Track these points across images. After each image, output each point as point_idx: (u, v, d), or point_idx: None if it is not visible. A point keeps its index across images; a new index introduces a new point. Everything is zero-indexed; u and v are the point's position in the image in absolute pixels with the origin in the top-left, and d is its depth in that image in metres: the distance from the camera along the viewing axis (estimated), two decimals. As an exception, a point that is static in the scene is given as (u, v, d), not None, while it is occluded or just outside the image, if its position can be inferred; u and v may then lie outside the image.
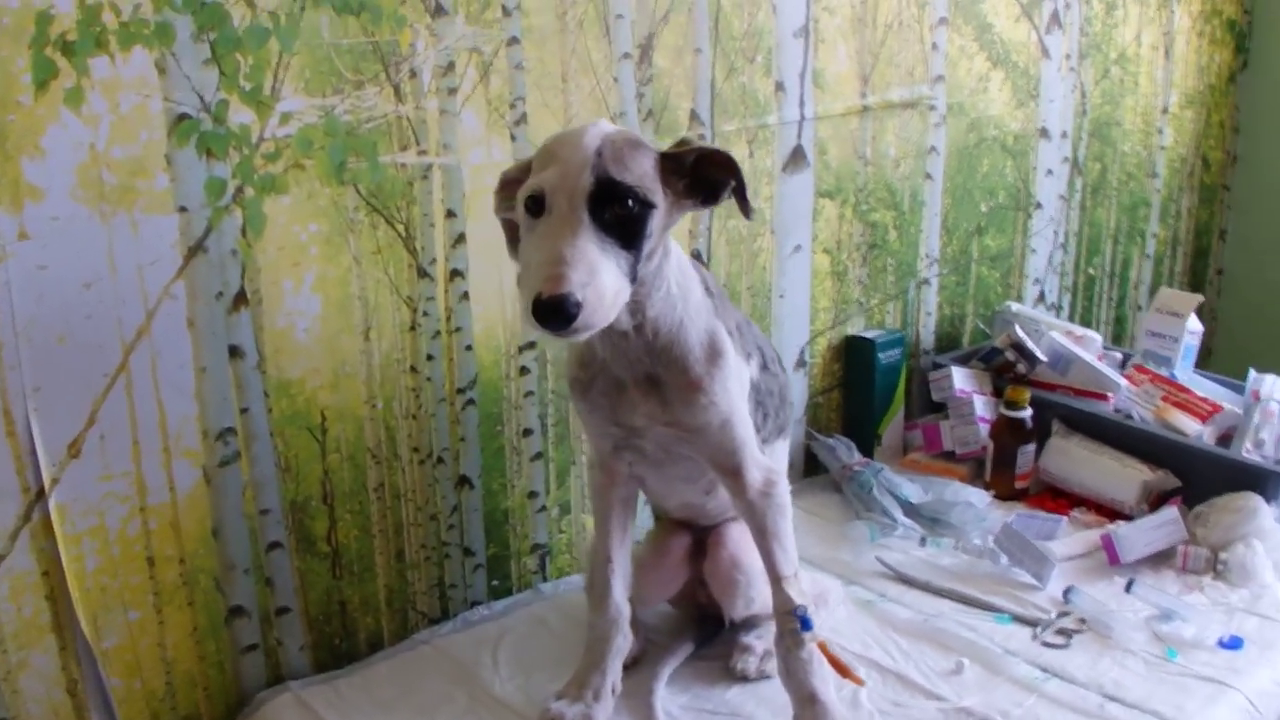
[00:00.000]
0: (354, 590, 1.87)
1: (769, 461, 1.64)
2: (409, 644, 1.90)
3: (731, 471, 1.59)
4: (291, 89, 1.62)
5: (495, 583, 2.03)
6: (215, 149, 1.58)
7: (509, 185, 1.48)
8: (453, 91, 1.78)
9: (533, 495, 2.04)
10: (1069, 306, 3.01)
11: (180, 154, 1.55)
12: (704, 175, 1.43)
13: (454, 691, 1.75)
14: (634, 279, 1.38)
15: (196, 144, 1.56)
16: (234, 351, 1.66)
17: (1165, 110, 3.13)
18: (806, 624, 1.56)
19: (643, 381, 1.53)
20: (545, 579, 2.09)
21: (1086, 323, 3.02)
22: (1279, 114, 3.32)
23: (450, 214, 1.82)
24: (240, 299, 1.65)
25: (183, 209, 1.57)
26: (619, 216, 1.35)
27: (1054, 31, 2.74)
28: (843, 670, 1.59)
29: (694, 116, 2.08)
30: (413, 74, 1.73)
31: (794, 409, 1.79)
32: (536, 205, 1.36)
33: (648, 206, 1.37)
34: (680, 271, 1.52)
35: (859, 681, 1.61)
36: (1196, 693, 1.72)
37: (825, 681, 1.59)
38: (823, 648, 1.58)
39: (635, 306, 1.45)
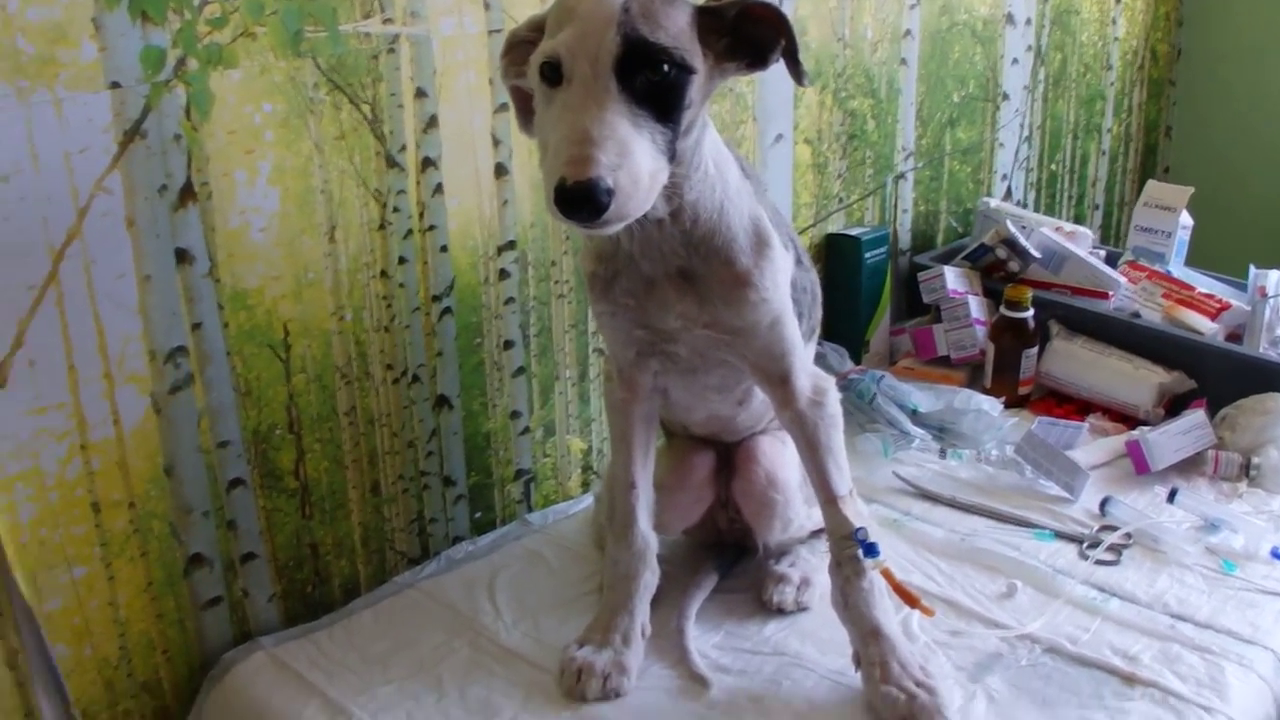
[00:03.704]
0: (326, 530, 1.62)
1: (815, 367, 1.40)
2: (391, 588, 1.65)
3: (779, 379, 1.36)
4: (242, -61, 1.33)
5: (477, 515, 1.79)
6: (151, 11, 1.29)
7: (518, 47, 1.23)
8: (423, -52, 1.50)
9: (515, 416, 1.79)
10: (1033, 204, 2.81)
11: (110, 18, 1.26)
12: (747, 34, 1.19)
13: (453, 641, 1.52)
14: (672, 157, 1.15)
15: (129, 6, 1.27)
16: (182, 256, 1.38)
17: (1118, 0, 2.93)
18: (871, 549, 1.34)
19: (676, 277, 1.30)
20: (531, 509, 1.86)
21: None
22: (1219, 7, 3.15)
23: (420, 93, 1.55)
24: (187, 193, 1.36)
25: (115, 85, 1.28)
26: (653, 84, 1.12)
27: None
28: (911, 600, 1.36)
29: (677, -12, 1.81)
30: (378, -76, 1.45)
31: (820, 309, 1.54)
32: (554, 73, 1.12)
33: (686, 71, 1.14)
34: (715, 150, 1.28)
35: (929, 611, 1.39)
36: (1266, 608, 1.55)
37: (888, 613, 1.38)
38: (886, 575, 1.35)
39: (671, 190, 1.21)
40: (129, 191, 1.32)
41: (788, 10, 1.95)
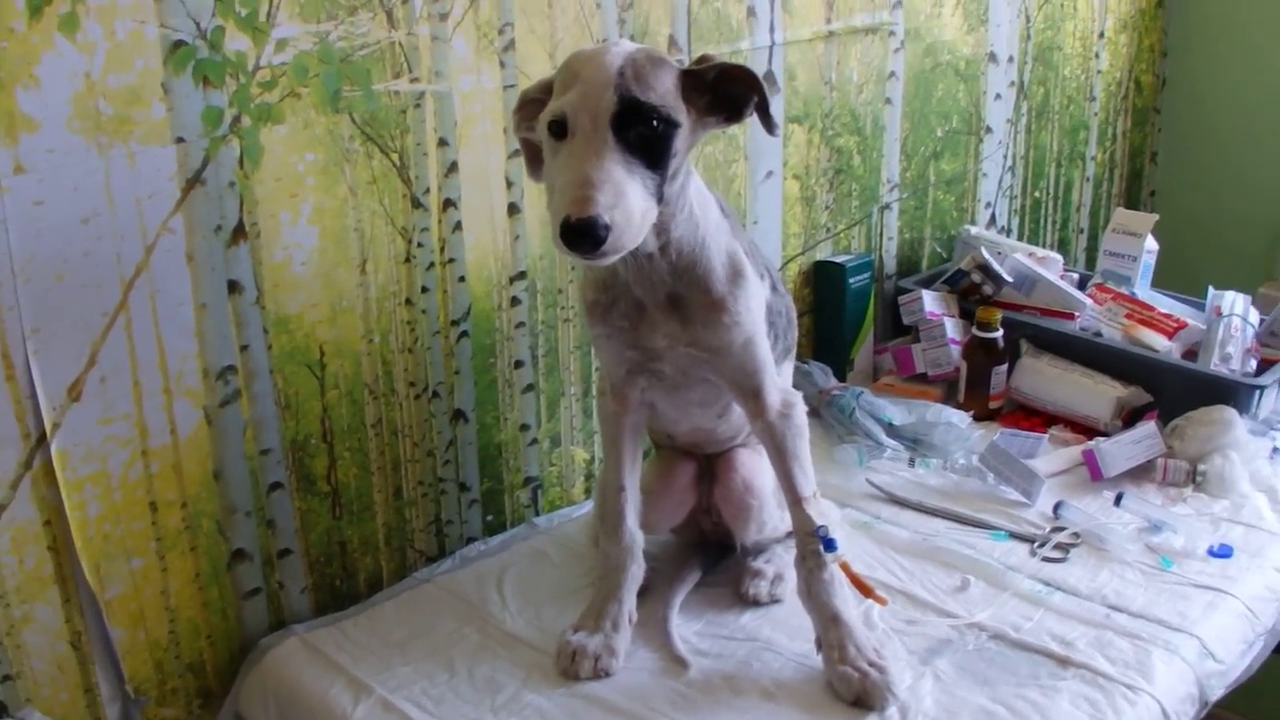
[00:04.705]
0: (354, 530, 1.82)
1: (785, 383, 1.62)
2: (410, 582, 1.85)
3: (751, 393, 1.56)
4: (286, 15, 1.55)
5: (490, 518, 1.99)
6: (212, 77, 1.50)
7: (529, 105, 1.44)
8: (444, 17, 1.71)
9: (525, 428, 2.00)
10: (1017, 230, 3.02)
11: (177, 83, 1.48)
12: (726, 92, 1.40)
13: (464, 629, 1.71)
14: (660, 199, 1.35)
15: (193, 72, 1.48)
16: (233, 287, 1.59)
17: (1101, 35, 3.14)
18: (830, 545, 1.55)
19: (664, 303, 1.51)
20: (538, 513, 2.06)
21: (1035, 245, 3.03)
22: (1204, 38, 3.35)
23: (443, 142, 1.76)
24: (239, 232, 1.58)
25: (180, 140, 1.49)
26: (644, 136, 1.32)
27: (1003, -45, 2.73)
28: (865, 590, 1.57)
29: (672, 42, 2.03)
30: (405, -1, 1.67)
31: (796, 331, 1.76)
32: (560, 128, 1.33)
33: (671, 125, 1.34)
34: (698, 193, 1.49)
35: (882, 601, 1.60)
36: (1196, 600, 1.74)
37: (847, 602, 1.57)
38: (845, 568, 1.57)
39: (660, 227, 1.42)
40: (189, 231, 1.53)
41: (776, 59, 2.18)
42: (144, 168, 1.47)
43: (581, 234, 1.25)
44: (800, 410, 1.60)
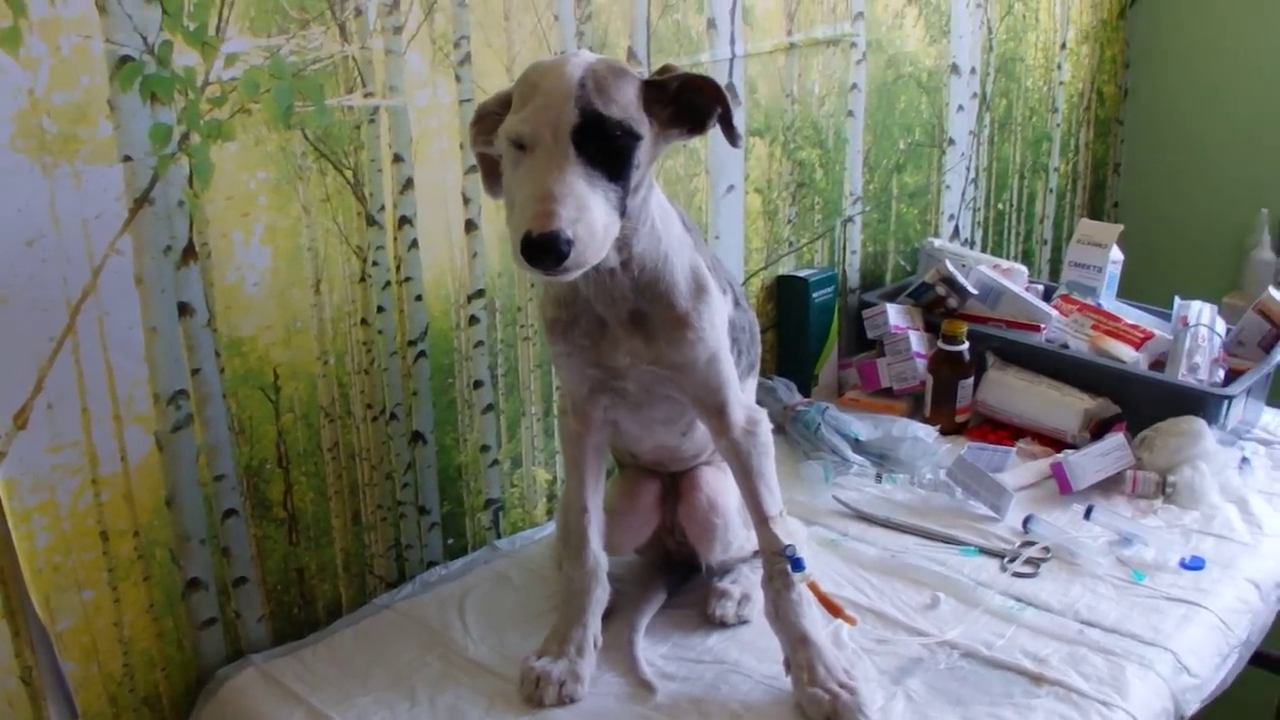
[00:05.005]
0: (311, 556, 1.80)
1: (749, 400, 1.61)
2: (370, 609, 1.82)
3: (715, 410, 1.55)
4: (236, 29, 1.53)
5: (450, 541, 1.97)
6: (160, 93, 1.48)
7: (486, 119, 1.43)
8: (398, 30, 1.70)
9: (485, 449, 1.98)
10: (981, 242, 3.03)
11: (124, 99, 1.45)
12: (689, 102, 1.40)
13: (425, 656, 1.69)
14: (623, 213, 1.34)
15: (140, 88, 1.46)
16: (184, 309, 1.57)
17: (1063, 46, 3.16)
18: (798, 564, 1.54)
19: (626, 319, 1.50)
20: (500, 535, 2.04)
21: (999, 257, 3.04)
22: (1166, 48, 3.38)
23: (398, 159, 1.75)
24: (189, 253, 1.55)
25: (127, 158, 1.47)
26: (605, 149, 1.31)
27: (964, -33, 2.74)
28: (834, 610, 1.56)
29: (631, 54, 2.02)
30: (358, 12, 1.65)
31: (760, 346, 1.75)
32: (520, 142, 1.31)
33: (634, 138, 1.34)
34: (660, 207, 1.48)
35: (851, 620, 1.59)
36: (1169, 613, 1.74)
37: (815, 622, 1.56)
38: (813, 587, 1.56)
39: (622, 242, 1.41)
40: (138, 252, 1.50)
41: (737, 71, 2.18)
42: (90, 187, 1.45)
43: (544, 249, 1.23)
44: (765, 427, 1.59)
